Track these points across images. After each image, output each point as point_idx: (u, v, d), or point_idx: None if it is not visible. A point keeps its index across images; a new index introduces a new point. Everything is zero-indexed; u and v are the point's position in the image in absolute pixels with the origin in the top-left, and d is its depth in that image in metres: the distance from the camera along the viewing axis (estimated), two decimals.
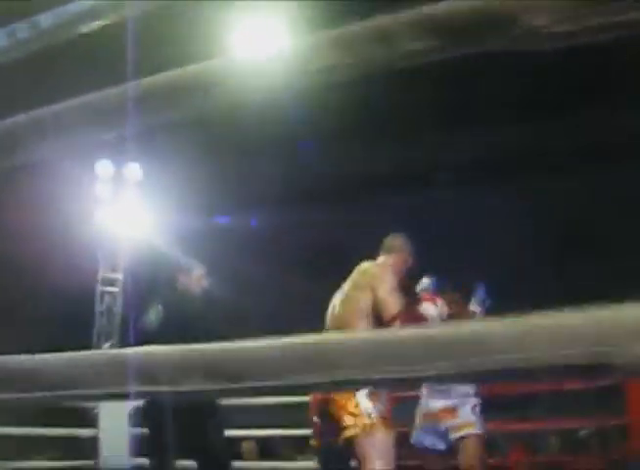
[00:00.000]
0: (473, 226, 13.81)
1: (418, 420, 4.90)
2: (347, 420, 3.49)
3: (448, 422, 4.74)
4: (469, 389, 4.67)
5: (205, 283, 4.70)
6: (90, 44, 2.23)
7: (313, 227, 14.44)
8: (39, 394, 1.22)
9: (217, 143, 11.86)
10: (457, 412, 4.71)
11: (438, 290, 4.85)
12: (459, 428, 4.72)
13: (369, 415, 3.50)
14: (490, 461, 5.47)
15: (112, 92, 1.28)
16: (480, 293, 4.94)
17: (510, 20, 0.87)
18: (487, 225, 13.70)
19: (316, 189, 14.22)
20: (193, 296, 4.63)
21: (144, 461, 6.80)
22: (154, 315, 4.54)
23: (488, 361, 0.89)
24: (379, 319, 3.56)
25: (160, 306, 4.58)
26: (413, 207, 14.14)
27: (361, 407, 3.47)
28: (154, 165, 9.41)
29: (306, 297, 13.23)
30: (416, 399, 4.93)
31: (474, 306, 4.83)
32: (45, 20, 1.62)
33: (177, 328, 4.19)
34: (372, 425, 3.48)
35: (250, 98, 1.21)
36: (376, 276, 3.68)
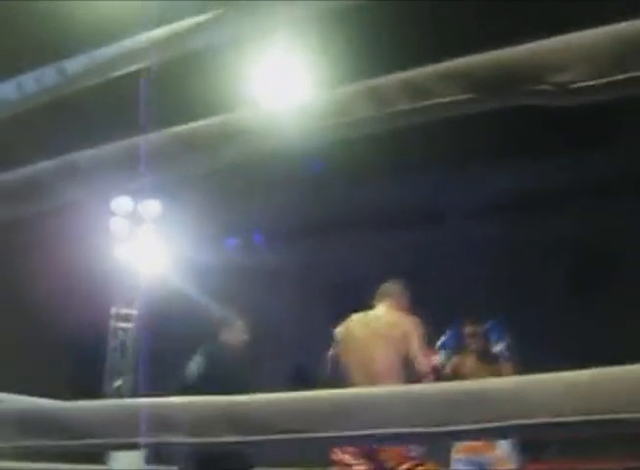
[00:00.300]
0: (485, 261, 13.78)
1: (455, 451, 4.82)
2: (400, 464, 3.45)
3: (487, 455, 4.70)
4: None
5: (245, 337, 4.67)
6: (116, 91, 2.26)
7: (331, 262, 14.44)
8: (56, 441, 1.22)
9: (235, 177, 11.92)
10: (496, 445, 4.67)
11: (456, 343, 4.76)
12: (499, 463, 4.68)
13: (419, 458, 3.47)
14: None
15: (136, 141, 1.30)
16: (493, 332, 4.89)
17: (537, 75, 0.88)
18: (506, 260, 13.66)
19: (336, 222, 14.29)
20: (234, 349, 4.60)
21: None
22: (195, 367, 4.51)
23: (517, 419, 0.89)
24: (410, 373, 3.57)
25: (201, 358, 4.54)
26: (426, 242, 14.14)
27: (412, 452, 3.42)
28: (172, 201, 9.46)
29: (324, 332, 13.22)
30: None
31: (495, 347, 4.78)
32: (72, 65, 1.64)
33: (218, 382, 4.16)
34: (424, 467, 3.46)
35: (273, 149, 1.22)
36: (408, 332, 3.63)
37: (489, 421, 0.91)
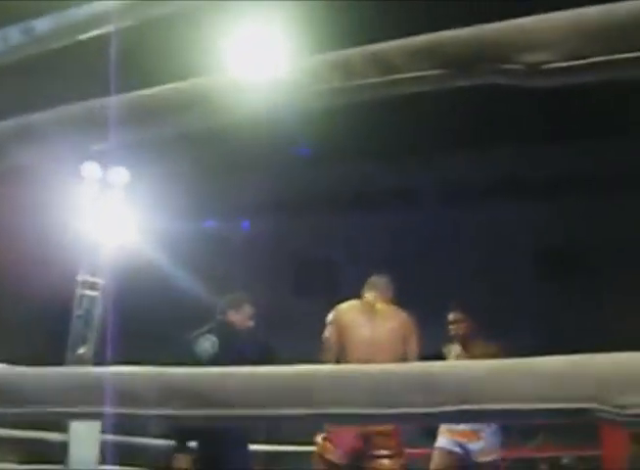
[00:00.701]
0: (455, 244, 13.88)
1: (442, 435, 4.90)
2: (388, 452, 3.60)
3: (472, 444, 4.75)
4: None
5: (252, 322, 4.69)
6: (84, 53, 2.21)
7: (299, 239, 14.45)
8: (10, 408, 1.19)
9: (207, 148, 11.84)
10: (480, 435, 4.71)
11: None
12: (485, 453, 4.72)
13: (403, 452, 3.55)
14: None
15: (101, 102, 1.26)
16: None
17: (509, 53, 0.86)
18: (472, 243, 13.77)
19: (304, 202, 14.29)
20: (240, 332, 4.62)
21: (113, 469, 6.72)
22: (209, 344, 4.53)
23: (472, 403, 0.87)
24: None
25: (213, 338, 4.55)
26: (397, 224, 14.20)
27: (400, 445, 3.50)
28: (141, 169, 9.36)
29: (289, 307, 13.29)
30: None
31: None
32: (40, 25, 1.59)
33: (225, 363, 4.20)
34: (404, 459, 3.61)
35: (241, 117, 1.19)
36: (411, 329, 3.77)
37: (440, 405, 0.90)
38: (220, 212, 14.16)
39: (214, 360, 4.41)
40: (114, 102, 1.21)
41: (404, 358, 3.65)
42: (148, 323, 12.55)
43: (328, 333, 3.77)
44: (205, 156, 12.18)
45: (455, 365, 0.94)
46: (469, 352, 4.78)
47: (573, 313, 12.67)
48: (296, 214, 14.31)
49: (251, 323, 4.68)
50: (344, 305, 3.77)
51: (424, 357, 4.04)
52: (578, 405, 0.87)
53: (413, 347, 3.72)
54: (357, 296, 3.92)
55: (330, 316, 3.77)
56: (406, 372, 0.96)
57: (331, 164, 13.61)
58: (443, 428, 4.83)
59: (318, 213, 14.33)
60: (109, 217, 8.58)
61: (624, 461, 5.51)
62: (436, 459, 4.80)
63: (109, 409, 1.09)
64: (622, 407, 0.85)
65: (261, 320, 4.73)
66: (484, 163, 14.00)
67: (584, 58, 0.82)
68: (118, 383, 1.10)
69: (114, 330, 5.61)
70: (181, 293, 11.55)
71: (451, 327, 4.89)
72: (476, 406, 0.89)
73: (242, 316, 4.64)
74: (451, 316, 4.92)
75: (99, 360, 7.77)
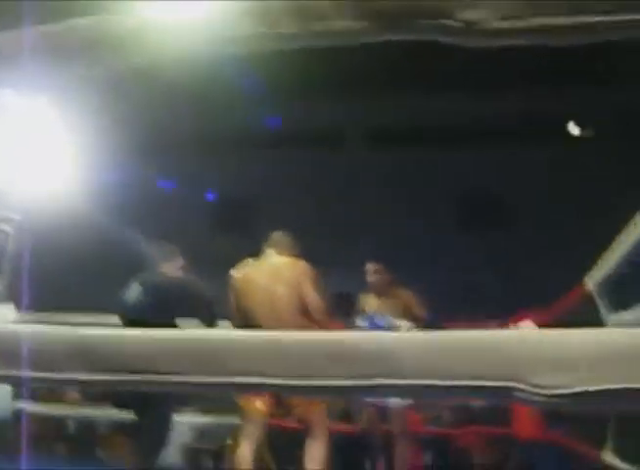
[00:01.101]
0: (376, 193, 13.95)
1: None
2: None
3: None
4: None
5: (181, 272, 4.70)
6: None
7: (218, 180, 14.28)
8: None
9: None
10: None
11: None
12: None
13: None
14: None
15: (14, 34, 1.16)
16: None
17: (444, 10, 0.80)
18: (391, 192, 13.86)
19: (223, 141, 14.12)
20: (170, 282, 4.63)
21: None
22: (134, 294, 4.59)
23: (393, 377, 0.84)
24: (305, 315, 3.71)
25: (141, 287, 4.60)
26: (321, 166, 14.16)
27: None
28: (59, 102, 8.99)
29: (209, 246, 13.17)
30: None
31: None
32: None
33: (154, 311, 4.33)
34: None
35: (160, 58, 1.10)
36: (303, 273, 3.75)
37: (355, 378, 0.86)
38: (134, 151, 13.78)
39: (139, 308, 4.47)
40: (28, 33, 1.11)
41: (305, 308, 3.67)
42: (67, 265, 12.27)
43: (230, 300, 3.84)
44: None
45: (371, 337, 0.89)
46: (383, 302, 4.81)
47: (491, 265, 12.93)
48: (215, 153, 14.13)
49: (180, 273, 4.70)
50: (239, 270, 3.81)
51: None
52: (498, 383, 0.84)
53: (310, 294, 3.69)
54: (259, 251, 3.95)
55: (232, 277, 3.81)
56: (323, 341, 0.91)
57: (256, 103, 13.40)
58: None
59: (239, 153, 14.16)
60: (33, 153, 8.23)
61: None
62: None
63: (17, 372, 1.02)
64: (541, 387, 0.83)
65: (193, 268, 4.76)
66: (413, 107, 13.97)
67: (521, 19, 0.76)
68: (28, 344, 1.02)
69: (29, 268, 5.43)
70: (107, 239, 11.29)
71: (368, 277, 4.90)
72: (392, 381, 0.86)
73: (173, 267, 4.67)
74: (368, 266, 4.93)
75: (11, 295, 7.55)
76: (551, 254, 11.86)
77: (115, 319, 6.84)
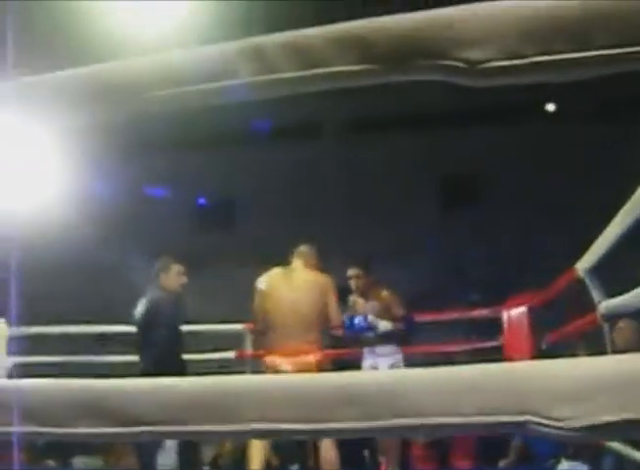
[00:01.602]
0: (353, 180, 13.94)
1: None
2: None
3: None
4: (389, 348, 4.87)
5: (184, 280, 4.70)
6: None
7: (205, 179, 14.20)
8: None
9: None
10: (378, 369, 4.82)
11: None
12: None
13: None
14: None
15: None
16: None
17: (441, 50, 0.79)
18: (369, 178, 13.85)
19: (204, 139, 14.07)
20: (171, 294, 4.65)
21: None
22: (140, 311, 4.63)
23: (407, 417, 0.83)
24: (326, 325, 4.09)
25: (144, 302, 4.62)
26: (298, 158, 14.11)
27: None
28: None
29: (192, 244, 13.15)
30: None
31: None
32: None
33: (159, 326, 4.43)
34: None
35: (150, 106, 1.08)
36: (327, 289, 4.07)
37: (372, 419, 0.85)
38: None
39: (146, 324, 4.53)
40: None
41: (326, 318, 4.01)
42: (55, 276, 12.20)
43: (254, 301, 4.08)
44: None
45: (383, 377, 0.89)
46: (367, 303, 4.93)
47: (478, 249, 12.95)
48: (192, 151, 14.08)
49: (183, 281, 4.69)
50: (267, 274, 4.07)
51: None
52: (512, 418, 0.84)
53: (332, 307, 4.05)
54: (287, 263, 4.20)
55: (255, 285, 4.03)
56: (336, 384, 0.90)
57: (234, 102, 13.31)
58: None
59: (211, 151, 14.10)
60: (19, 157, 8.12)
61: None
62: None
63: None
64: (556, 420, 0.82)
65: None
66: (388, 92, 13.93)
67: (525, 57, 0.75)
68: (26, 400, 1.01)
69: (17, 280, 5.39)
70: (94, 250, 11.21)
71: (350, 282, 5.04)
72: (406, 421, 0.85)
73: (171, 278, 4.65)
74: (349, 272, 5.07)
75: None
76: (540, 236, 11.92)
77: (105, 328, 6.81)
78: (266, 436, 1.06)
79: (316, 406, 0.87)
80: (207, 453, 7.24)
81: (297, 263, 4.12)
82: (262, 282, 4.02)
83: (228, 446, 6.56)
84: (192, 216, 14.65)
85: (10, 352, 5.71)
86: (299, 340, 3.74)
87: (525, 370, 0.87)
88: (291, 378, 0.92)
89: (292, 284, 3.97)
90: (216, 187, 14.38)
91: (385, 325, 4.76)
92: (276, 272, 4.09)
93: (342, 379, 0.89)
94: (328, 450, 3.69)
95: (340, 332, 4.19)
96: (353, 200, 13.81)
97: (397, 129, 14.36)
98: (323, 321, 3.98)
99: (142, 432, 0.94)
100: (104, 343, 7.66)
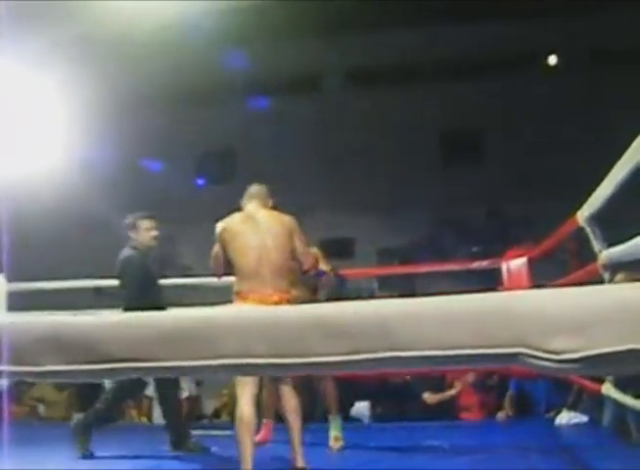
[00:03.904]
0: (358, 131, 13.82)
1: None
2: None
3: None
4: None
5: (154, 233, 4.55)
6: None
7: (201, 129, 14.10)
8: None
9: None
10: None
11: None
12: None
13: None
14: None
15: None
16: None
17: None
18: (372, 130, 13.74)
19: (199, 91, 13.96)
20: (143, 250, 4.53)
21: None
22: (117, 265, 4.55)
23: (395, 350, 0.78)
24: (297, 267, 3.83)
25: (117, 261, 4.53)
26: (304, 108, 13.98)
27: None
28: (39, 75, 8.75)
29: (197, 198, 13.13)
30: None
31: None
32: None
33: (132, 284, 4.41)
34: None
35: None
36: (293, 227, 3.75)
37: (355, 353, 0.80)
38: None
39: (121, 283, 4.51)
40: None
41: (293, 257, 3.71)
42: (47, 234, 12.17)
43: (215, 249, 3.71)
44: None
45: (369, 307, 0.83)
46: None
47: (477, 201, 12.90)
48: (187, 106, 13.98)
49: (154, 235, 4.57)
50: (227, 220, 3.72)
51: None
52: (504, 350, 0.78)
53: (300, 248, 3.74)
54: (238, 208, 3.87)
55: (216, 232, 3.72)
56: (319, 316, 0.85)
57: (233, 46, 13.11)
58: None
59: (214, 103, 13.98)
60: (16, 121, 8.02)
61: None
62: None
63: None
64: (554, 352, 0.77)
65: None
66: (391, 44, 13.73)
67: None
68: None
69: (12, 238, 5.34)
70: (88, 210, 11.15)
71: None
72: (394, 353, 0.80)
73: (141, 234, 4.54)
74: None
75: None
76: (539, 188, 11.83)
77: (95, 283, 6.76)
78: (242, 372, 1.00)
79: (294, 339, 0.82)
80: (209, 406, 7.31)
81: (251, 206, 3.79)
82: (222, 229, 3.69)
83: (227, 398, 6.59)
84: (196, 167, 14.66)
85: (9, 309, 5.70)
86: (270, 287, 3.49)
87: (520, 300, 0.81)
88: (270, 310, 0.86)
89: (257, 228, 3.66)
90: (215, 139, 14.30)
91: None
92: (234, 218, 3.75)
93: (325, 310, 0.84)
94: (290, 399, 3.59)
95: (310, 272, 3.93)
96: (352, 152, 13.69)
97: (398, 81, 14.20)
98: (293, 265, 3.74)
99: (112, 369, 0.89)
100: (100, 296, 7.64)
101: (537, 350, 0.77)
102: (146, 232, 4.55)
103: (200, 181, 14.74)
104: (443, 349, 0.78)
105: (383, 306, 0.83)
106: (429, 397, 6.01)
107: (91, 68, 11.63)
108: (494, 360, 0.80)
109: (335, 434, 4.53)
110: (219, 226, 3.68)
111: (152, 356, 0.86)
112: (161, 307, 4.16)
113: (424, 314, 0.81)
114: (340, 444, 4.49)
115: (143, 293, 4.36)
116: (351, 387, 5.88)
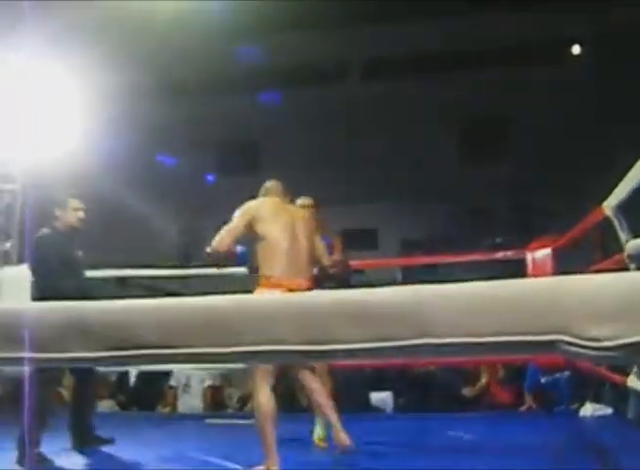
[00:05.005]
0: (382, 118, 13.75)
1: None
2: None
3: None
4: None
5: (81, 215, 4.20)
6: None
7: (226, 121, 14.10)
8: None
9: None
10: None
11: None
12: None
13: None
14: None
15: None
16: None
17: None
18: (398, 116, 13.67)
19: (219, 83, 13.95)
20: (66, 231, 4.17)
21: None
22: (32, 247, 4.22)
23: (429, 337, 0.75)
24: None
25: (35, 239, 4.18)
26: (325, 99, 13.94)
27: None
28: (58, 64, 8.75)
29: (217, 190, 13.11)
30: None
31: None
32: None
33: (49, 271, 4.02)
34: None
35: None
36: (313, 225, 3.72)
37: (387, 340, 0.77)
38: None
39: (36, 264, 4.15)
40: None
41: (313, 250, 3.67)
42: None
43: (235, 223, 3.42)
44: None
45: (400, 292, 0.80)
46: None
47: (501, 192, 12.81)
48: (214, 97, 13.98)
49: (80, 216, 4.21)
50: (260, 200, 3.55)
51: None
52: (544, 338, 0.75)
53: (320, 246, 3.81)
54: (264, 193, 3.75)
55: (246, 207, 3.50)
56: (347, 302, 0.82)
57: (252, 37, 13.10)
58: None
59: (237, 95, 13.98)
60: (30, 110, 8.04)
61: None
62: None
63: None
64: (596, 340, 0.74)
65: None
66: (411, 35, 13.64)
67: None
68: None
69: (35, 224, 5.31)
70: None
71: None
72: (429, 340, 0.77)
73: (68, 213, 4.17)
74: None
75: (22, 255, 7.52)
76: (565, 179, 11.70)
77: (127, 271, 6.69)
78: (269, 360, 0.98)
79: (324, 325, 0.79)
80: (234, 395, 7.30)
81: (272, 198, 3.62)
82: (254, 206, 3.49)
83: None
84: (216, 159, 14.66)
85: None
86: (302, 275, 3.39)
87: (558, 286, 0.78)
88: (295, 296, 0.83)
89: (290, 215, 3.53)
90: (238, 130, 14.29)
91: None
92: (268, 200, 3.61)
93: (353, 296, 0.81)
94: (311, 382, 3.52)
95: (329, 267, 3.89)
96: (373, 145, 13.62)
97: (419, 72, 14.11)
98: (313, 260, 3.67)
99: (139, 355, 0.87)
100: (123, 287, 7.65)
101: (577, 337, 0.74)
102: (73, 212, 4.19)
103: (218, 174, 14.75)
104: (480, 336, 0.76)
105: (417, 292, 0.80)
106: (468, 390, 5.98)
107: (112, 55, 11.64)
108: (532, 348, 0.77)
109: (319, 433, 4.17)
110: (254, 203, 3.51)
111: (181, 343, 0.84)
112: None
113: (459, 300, 0.78)
114: (324, 445, 4.07)
115: (56, 280, 3.98)
116: (373, 376, 5.85)
